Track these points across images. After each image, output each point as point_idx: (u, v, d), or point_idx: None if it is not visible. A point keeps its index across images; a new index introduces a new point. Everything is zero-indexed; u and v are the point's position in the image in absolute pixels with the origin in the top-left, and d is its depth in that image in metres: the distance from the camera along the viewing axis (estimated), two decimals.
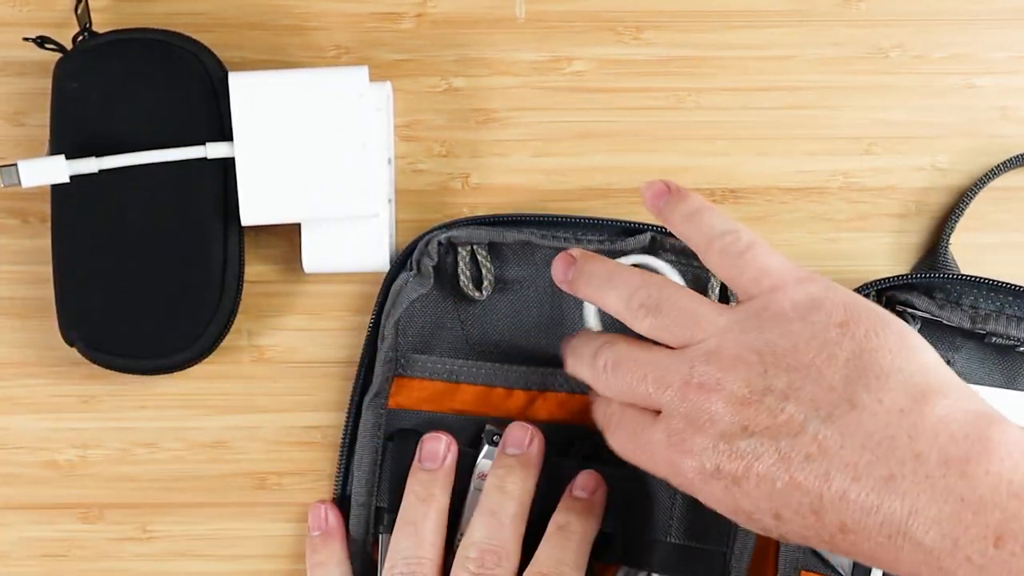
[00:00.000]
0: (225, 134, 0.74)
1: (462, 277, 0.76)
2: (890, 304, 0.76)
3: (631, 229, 0.76)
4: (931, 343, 0.75)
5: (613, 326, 0.70)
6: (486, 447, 0.75)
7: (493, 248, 0.76)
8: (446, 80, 0.79)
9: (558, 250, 0.76)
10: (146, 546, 0.78)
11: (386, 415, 0.76)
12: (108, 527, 0.78)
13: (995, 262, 0.78)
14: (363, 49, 0.79)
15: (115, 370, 0.75)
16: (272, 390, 0.78)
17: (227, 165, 0.74)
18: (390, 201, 0.77)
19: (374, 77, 0.76)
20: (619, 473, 0.74)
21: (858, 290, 0.75)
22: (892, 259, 0.78)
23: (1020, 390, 0.75)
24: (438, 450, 0.75)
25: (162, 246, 0.74)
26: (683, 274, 0.75)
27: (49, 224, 0.75)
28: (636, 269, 0.69)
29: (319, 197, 0.73)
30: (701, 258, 0.68)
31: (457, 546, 0.74)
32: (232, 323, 0.75)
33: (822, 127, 0.79)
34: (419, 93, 0.79)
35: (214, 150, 0.74)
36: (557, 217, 0.76)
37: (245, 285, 0.76)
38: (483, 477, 0.75)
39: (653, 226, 0.76)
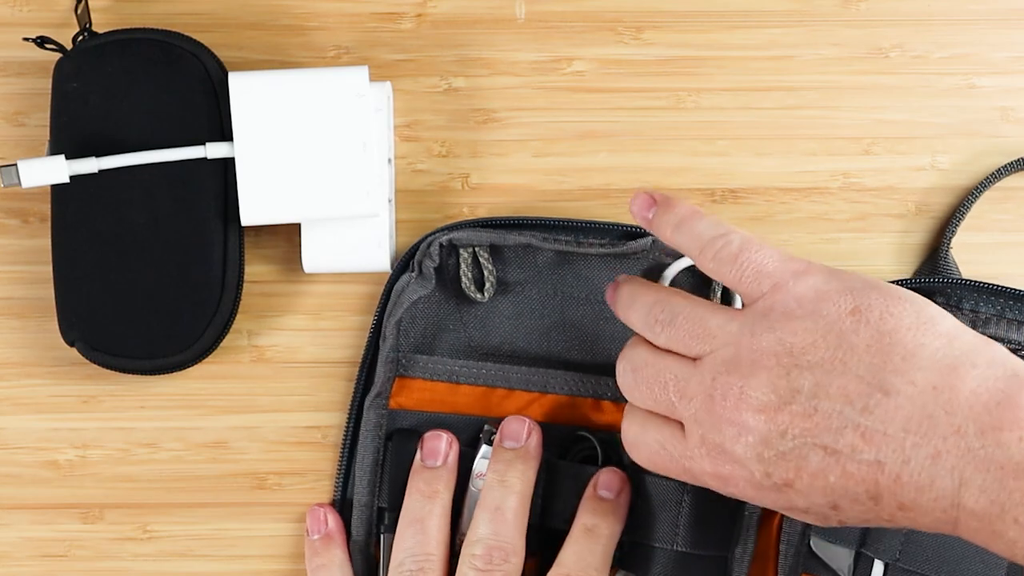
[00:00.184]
0: (225, 134, 0.74)
1: (464, 279, 0.76)
2: None
3: (633, 232, 0.76)
4: None
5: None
6: (483, 447, 0.75)
7: (495, 250, 0.76)
8: (446, 80, 0.79)
9: (559, 253, 0.76)
10: (146, 546, 0.78)
11: (387, 415, 0.76)
12: (108, 527, 0.78)
13: (995, 262, 0.78)
14: (363, 49, 0.79)
15: (115, 370, 0.75)
16: (272, 390, 0.78)
17: (227, 165, 0.74)
18: (390, 201, 0.77)
19: (374, 77, 0.76)
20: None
21: None
22: (892, 259, 0.78)
23: None
24: (440, 447, 0.75)
25: (162, 246, 0.74)
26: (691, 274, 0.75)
27: (49, 224, 0.75)
28: (655, 287, 0.69)
29: (319, 197, 0.73)
30: (697, 264, 0.68)
31: (457, 546, 0.74)
32: (232, 323, 0.75)
33: (822, 127, 0.79)
34: (419, 93, 0.79)
35: (214, 150, 0.74)
36: (559, 220, 0.76)
37: (245, 285, 0.76)
38: (481, 477, 0.75)
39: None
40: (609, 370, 0.76)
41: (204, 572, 0.78)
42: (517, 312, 0.77)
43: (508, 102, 0.79)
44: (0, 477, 0.78)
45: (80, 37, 0.75)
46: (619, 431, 0.75)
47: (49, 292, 0.75)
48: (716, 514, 0.74)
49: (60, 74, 0.75)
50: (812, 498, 0.63)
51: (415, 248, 0.76)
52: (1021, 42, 0.79)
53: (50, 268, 0.75)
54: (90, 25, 0.75)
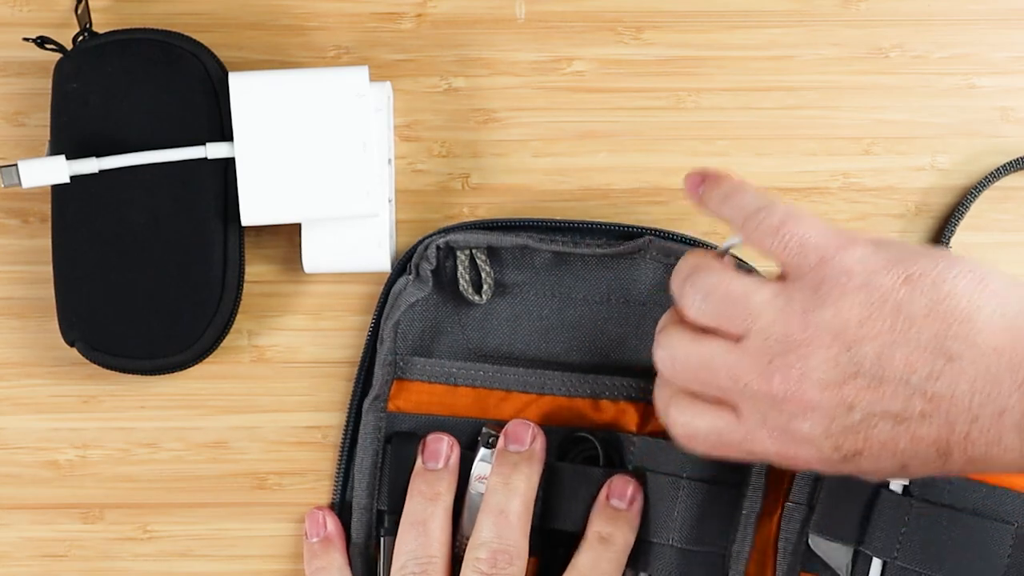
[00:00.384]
0: (225, 134, 0.74)
1: (461, 281, 0.76)
2: None
3: (629, 233, 0.76)
4: None
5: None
6: (482, 450, 0.75)
7: (492, 252, 0.76)
8: (446, 80, 0.79)
9: (556, 254, 0.76)
10: (146, 546, 0.78)
11: (386, 418, 0.76)
12: (108, 527, 0.78)
13: (995, 262, 0.77)
14: (363, 49, 0.79)
15: (115, 370, 0.75)
16: (272, 390, 0.78)
17: (227, 165, 0.74)
18: (390, 201, 0.77)
19: (374, 77, 0.76)
20: (618, 474, 0.75)
21: None
22: None
23: None
24: (441, 450, 0.75)
25: (162, 246, 0.74)
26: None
27: (49, 224, 0.75)
28: (692, 257, 0.67)
29: (319, 197, 0.73)
30: (743, 238, 0.66)
31: (458, 548, 0.74)
32: (232, 323, 0.75)
33: (822, 127, 0.79)
34: (419, 93, 0.79)
35: (214, 150, 0.74)
36: (555, 221, 0.76)
37: (245, 285, 0.76)
38: (480, 479, 0.75)
39: (650, 229, 0.76)
40: (608, 370, 0.76)
41: (204, 572, 0.78)
42: (515, 314, 0.77)
43: (508, 102, 0.79)
44: (0, 477, 0.78)
45: (80, 37, 0.75)
46: (619, 430, 0.76)
47: (49, 292, 0.75)
48: (713, 510, 0.74)
49: (60, 74, 0.75)
50: (881, 463, 0.63)
51: (412, 251, 0.76)
52: (1021, 42, 0.79)
53: (50, 268, 0.75)
54: (90, 25, 0.75)
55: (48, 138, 0.75)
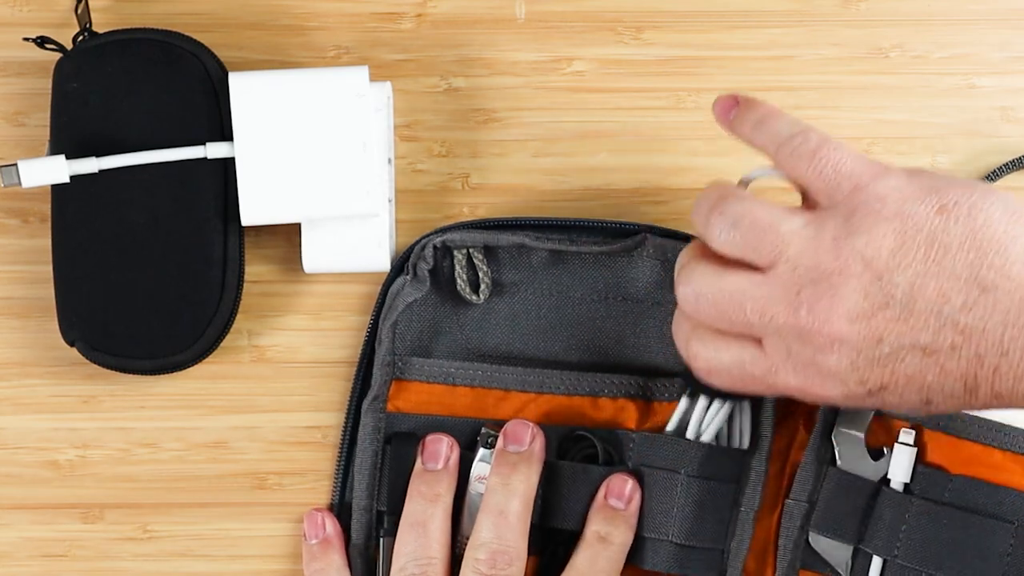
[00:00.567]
0: (225, 134, 0.74)
1: (459, 281, 0.76)
2: None
3: (625, 231, 0.76)
4: None
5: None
6: (481, 450, 0.75)
7: (489, 251, 0.76)
8: (446, 80, 0.79)
9: (553, 253, 0.76)
10: (146, 546, 0.78)
11: (385, 419, 0.76)
12: (108, 527, 0.78)
13: None
14: (363, 49, 0.79)
15: (115, 370, 0.75)
16: (272, 390, 0.78)
17: (227, 165, 0.74)
18: (390, 201, 0.77)
19: (374, 77, 0.76)
20: (616, 472, 0.75)
21: None
22: None
23: None
24: (441, 451, 0.75)
25: (162, 246, 0.74)
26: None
27: (49, 224, 0.75)
28: (717, 185, 0.66)
29: (319, 197, 0.73)
30: (775, 164, 0.65)
31: (458, 549, 0.74)
32: (232, 323, 0.75)
33: (822, 127, 0.77)
34: (419, 93, 0.79)
35: (214, 150, 0.74)
36: (551, 220, 0.76)
37: (245, 285, 0.76)
38: (480, 480, 0.75)
39: (646, 226, 0.76)
40: (606, 368, 0.76)
41: (204, 572, 0.78)
42: (513, 313, 0.77)
43: (508, 102, 0.79)
44: (0, 477, 0.78)
45: (80, 37, 0.75)
46: (618, 428, 0.76)
47: (49, 292, 0.75)
48: (712, 507, 0.74)
49: (60, 74, 0.75)
50: (906, 397, 0.62)
51: (410, 251, 0.76)
52: (1021, 42, 0.79)
53: (50, 268, 0.75)
54: (90, 25, 0.75)
55: (48, 138, 0.75)
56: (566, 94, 0.79)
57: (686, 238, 0.76)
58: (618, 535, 0.73)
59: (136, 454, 0.78)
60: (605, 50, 0.79)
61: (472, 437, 0.76)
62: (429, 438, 0.75)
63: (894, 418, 0.74)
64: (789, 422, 0.76)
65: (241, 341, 0.78)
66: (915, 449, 0.74)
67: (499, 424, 0.76)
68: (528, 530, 0.73)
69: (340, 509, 0.77)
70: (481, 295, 0.76)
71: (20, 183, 0.73)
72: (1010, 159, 0.78)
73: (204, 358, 0.75)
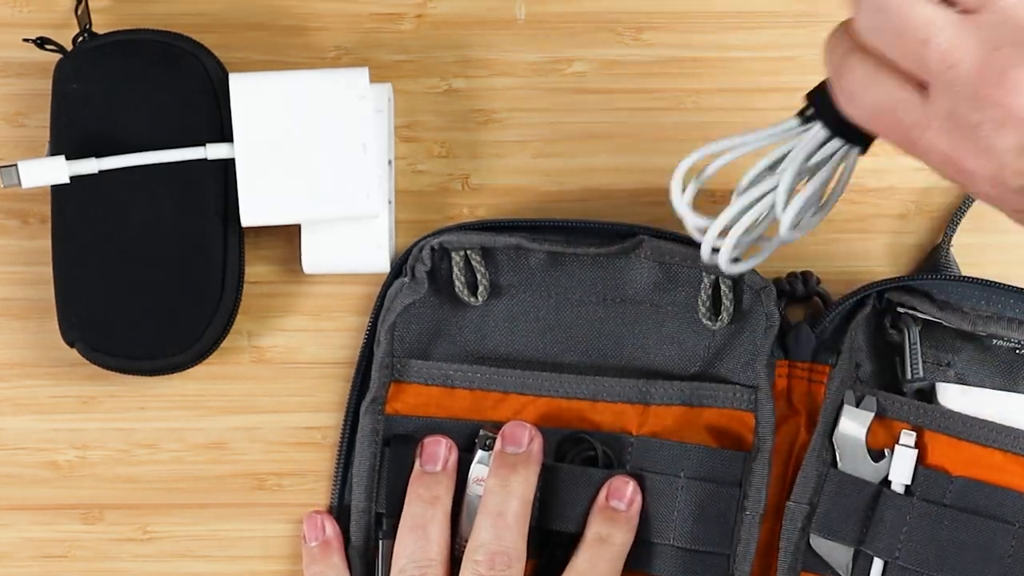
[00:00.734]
0: (225, 135, 0.74)
1: (457, 283, 0.76)
2: (891, 306, 0.76)
3: (623, 232, 0.76)
4: (932, 345, 0.75)
5: None
6: (479, 452, 0.75)
7: (486, 253, 0.76)
8: (446, 81, 0.79)
9: (551, 254, 0.76)
10: (146, 546, 0.78)
11: (384, 421, 0.76)
12: (108, 527, 0.78)
13: (995, 262, 0.78)
14: (363, 50, 0.79)
15: (115, 371, 0.75)
16: (272, 391, 0.78)
17: (227, 166, 0.74)
18: (390, 202, 0.77)
19: (374, 78, 0.76)
20: (616, 475, 0.75)
21: (857, 292, 0.75)
22: (892, 260, 0.78)
23: (1021, 392, 0.75)
24: (440, 452, 0.75)
25: (162, 247, 0.74)
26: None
27: (49, 224, 0.75)
28: None
29: (319, 198, 0.74)
30: None
31: (457, 550, 0.74)
32: (232, 324, 0.75)
33: None
34: (419, 94, 0.79)
35: (214, 151, 0.74)
36: (549, 221, 0.76)
37: (245, 285, 0.76)
38: (478, 482, 0.75)
39: (643, 227, 0.76)
40: (605, 371, 0.76)
41: (204, 572, 0.78)
42: (511, 315, 0.77)
43: (508, 103, 0.79)
44: (0, 477, 0.78)
45: (80, 38, 0.75)
46: (617, 431, 0.76)
47: (49, 292, 0.75)
48: (713, 510, 0.74)
49: (60, 75, 0.75)
50: None
51: (408, 253, 0.76)
52: None
53: (50, 268, 0.75)
54: (90, 26, 0.75)
55: (48, 139, 0.75)
56: (566, 95, 0.79)
57: (685, 240, 0.76)
58: (618, 536, 0.73)
59: (136, 455, 0.78)
60: (605, 51, 0.79)
61: (470, 439, 0.76)
62: (427, 440, 0.75)
63: (895, 419, 0.74)
64: (790, 424, 0.76)
65: (241, 342, 0.78)
66: (916, 451, 0.74)
67: (497, 426, 0.76)
68: (527, 531, 0.73)
69: (339, 511, 0.77)
70: (479, 297, 0.76)
71: (20, 184, 0.73)
72: None
73: (204, 359, 0.75)
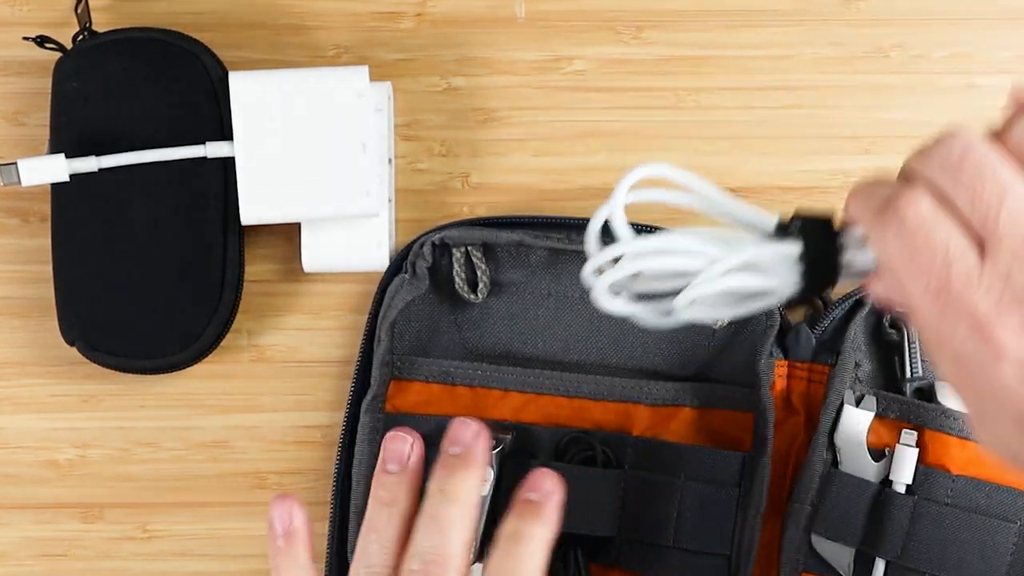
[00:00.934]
0: (225, 133, 0.74)
1: (457, 279, 0.76)
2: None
3: None
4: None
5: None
6: None
7: (487, 250, 0.76)
8: (446, 80, 0.79)
9: (552, 252, 0.76)
10: (146, 546, 0.78)
11: (384, 419, 0.76)
12: (108, 527, 0.78)
13: None
14: (363, 49, 0.79)
15: (115, 370, 0.75)
16: (272, 390, 0.78)
17: (227, 164, 0.74)
18: (390, 201, 0.77)
19: (374, 77, 0.76)
20: (615, 475, 0.74)
21: (857, 292, 0.75)
22: None
23: None
24: (402, 451, 0.68)
25: (162, 246, 0.74)
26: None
27: (49, 224, 0.75)
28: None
29: (319, 197, 0.73)
30: None
31: (472, 553, 0.73)
32: (232, 323, 0.75)
33: (822, 126, 0.79)
34: (419, 93, 0.79)
35: (214, 149, 0.74)
36: (550, 218, 0.76)
37: (245, 285, 0.76)
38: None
39: (644, 227, 0.76)
40: (605, 369, 0.76)
41: (204, 572, 0.78)
42: (511, 312, 0.77)
43: (508, 101, 0.79)
44: (0, 477, 0.78)
45: (80, 36, 0.75)
46: (617, 431, 0.76)
47: (49, 292, 0.75)
48: (713, 511, 0.74)
49: (60, 73, 0.75)
50: None
51: (407, 249, 0.76)
52: (1021, 42, 0.79)
53: (50, 268, 0.75)
54: (90, 24, 0.75)
55: (48, 137, 0.75)
56: (566, 93, 0.79)
57: None
58: (529, 529, 0.65)
59: (136, 454, 0.78)
60: (605, 49, 0.79)
61: None
62: (389, 436, 0.68)
63: (895, 419, 0.74)
64: (790, 424, 0.76)
65: (241, 341, 0.78)
66: (917, 450, 0.74)
67: (502, 426, 0.75)
68: (470, 536, 0.66)
69: (339, 509, 0.77)
70: (479, 294, 0.76)
71: (20, 182, 0.73)
72: None
73: (204, 358, 0.75)
